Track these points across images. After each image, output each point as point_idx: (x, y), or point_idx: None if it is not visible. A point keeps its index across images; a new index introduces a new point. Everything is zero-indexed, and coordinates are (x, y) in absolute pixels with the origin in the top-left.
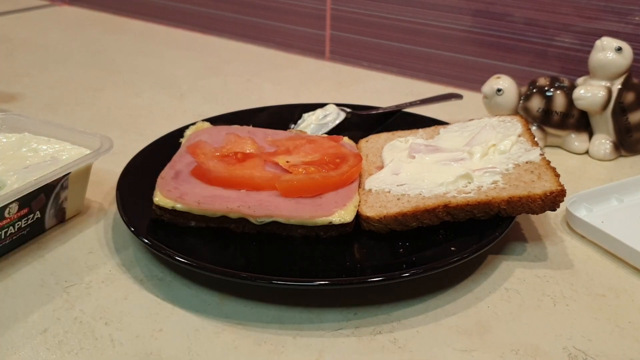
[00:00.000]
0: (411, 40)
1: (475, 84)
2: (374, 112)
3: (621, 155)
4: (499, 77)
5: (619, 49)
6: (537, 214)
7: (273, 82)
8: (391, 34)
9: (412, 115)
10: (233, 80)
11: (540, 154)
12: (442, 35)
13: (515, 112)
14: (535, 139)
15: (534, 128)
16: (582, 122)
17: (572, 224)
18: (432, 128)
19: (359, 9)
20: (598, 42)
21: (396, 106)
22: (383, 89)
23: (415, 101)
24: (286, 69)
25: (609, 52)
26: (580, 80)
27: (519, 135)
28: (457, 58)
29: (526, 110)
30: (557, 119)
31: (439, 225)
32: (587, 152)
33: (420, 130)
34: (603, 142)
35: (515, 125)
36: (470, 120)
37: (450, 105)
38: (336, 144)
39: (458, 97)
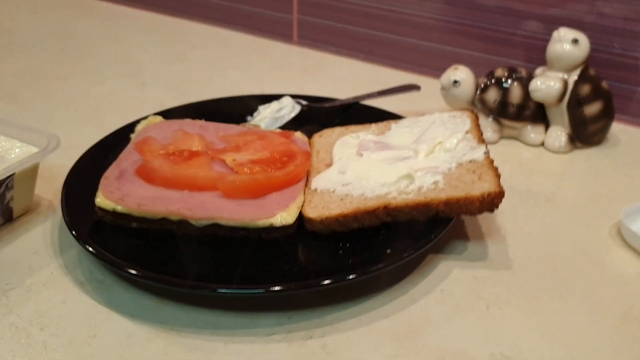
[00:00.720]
0: (378, 26)
1: (441, 72)
2: (330, 104)
3: (576, 148)
4: (456, 68)
5: (575, 41)
6: (475, 215)
7: (237, 68)
8: (358, 20)
9: (369, 108)
10: (197, 67)
11: (485, 152)
12: (409, 22)
13: (472, 104)
14: (484, 135)
15: (490, 120)
16: (538, 114)
17: (627, 238)
18: (385, 123)
19: None
20: (555, 33)
21: (354, 98)
22: (348, 76)
23: (372, 93)
24: (252, 53)
25: (565, 43)
26: (539, 70)
27: (467, 132)
28: (424, 45)
29: (483, 102)
30: (513, 111)
31: (382, 224)
32: (543, 144)
33: (373, 125)
34: (558, 135)
35: (465, 121)
36: (422, 115)
37: (410, 95)
38: (286, 141)
39: (416, 88)
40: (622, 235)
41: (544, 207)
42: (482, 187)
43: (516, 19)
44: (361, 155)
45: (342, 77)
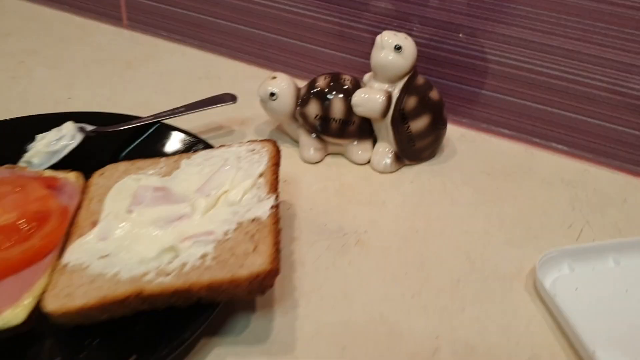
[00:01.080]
0: (209, 11)
1: (281, 65)
2: (127, 125)
3: (406, 164)
4: (274, 78)
5: (399, 48)
6: (244, 299)
7: (49, 64)
8: (192, 3)
9: (172, 130)
10: (2, 66)
11: (272, 207)
12: (245, 9)
13: (293, 117)
14: (306, 154)
15: (313, 137)
16: (364, 129)
17: (539, 290)
18: (176, 158)
19: None
20: (378, 39)
21: (154, 116)
22: (177, 69)
23: (179, 108)
24: (74, 41)
25: (387, 51)
26: (366, 77)
27: (260, 175)
28: (263, 36)
29: (304, 116)
30: (336, 127)
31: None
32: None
33: (162, 160)
34: (384, 152)
35: (263, 158)
36: (220, 146)
37: (230, 108)
38: (47, 193)
39: (232, 99)
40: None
41: (351, 252)
42: (252, 263)
43: (364, 12)
44: (131, 212)
45: (171, 71)
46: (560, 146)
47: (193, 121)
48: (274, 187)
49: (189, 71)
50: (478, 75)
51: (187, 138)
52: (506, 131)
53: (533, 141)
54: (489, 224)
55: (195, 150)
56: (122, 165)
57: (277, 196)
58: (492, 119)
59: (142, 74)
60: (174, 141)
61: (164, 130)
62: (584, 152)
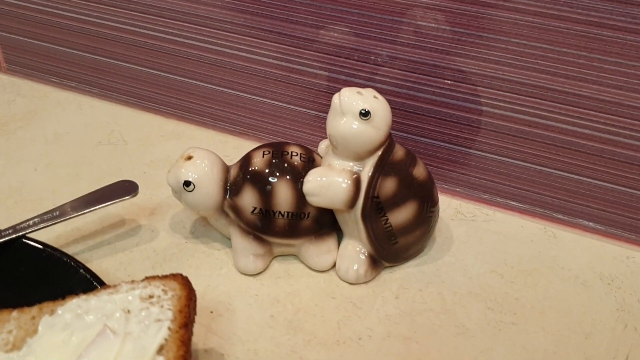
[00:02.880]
0: (110, 52)
1: (210, 120)
2: None
3: (385, 267)
4: (189, 158)
5: (366, 114)
6: None
7: None
8: (84, 43)
9: (39, 251)
10: None
11: None
12: (157, 50)
13: (221, 210)
14: (241, 264)
15: (250, 239)
16: (324, 221)
17: None
18: (33, 312)
19: (27, 2)
20: (335, 100)
21: (13, 228)
22: (69, 131)
23: (53, 211)
24: None
25: (350, 118)
26: (323, 146)
27: (160, 350)
28: (183, 82)
29: (237, 210)
30: (284, 224)
31: None
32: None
33: (14, 315)
34: (353, 255)
35: (166, 314)
36: (101, 289)
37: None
38: None
39: (131, 192)
40: None
41: None
42: None
43: (314, 52)
44: None
45: (61, 134)
46: (591, 224)
47: (80, 217)
48: None
49: (85, 132)
50: (474, 132)
51: (60, 264)
52: (516, 204)
53: (554, 217)
54: None
55: (71, 287)
56: None
57: None
58: (496, 188)
59: (20, 140)
60: (41, 270)
61: (27, 251)
62: (624, 232)
